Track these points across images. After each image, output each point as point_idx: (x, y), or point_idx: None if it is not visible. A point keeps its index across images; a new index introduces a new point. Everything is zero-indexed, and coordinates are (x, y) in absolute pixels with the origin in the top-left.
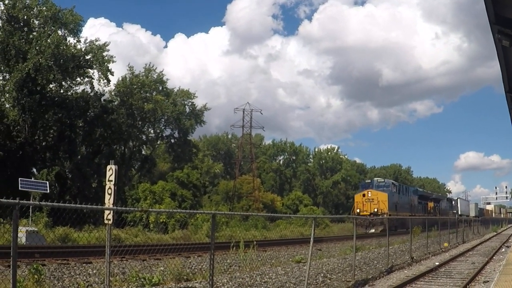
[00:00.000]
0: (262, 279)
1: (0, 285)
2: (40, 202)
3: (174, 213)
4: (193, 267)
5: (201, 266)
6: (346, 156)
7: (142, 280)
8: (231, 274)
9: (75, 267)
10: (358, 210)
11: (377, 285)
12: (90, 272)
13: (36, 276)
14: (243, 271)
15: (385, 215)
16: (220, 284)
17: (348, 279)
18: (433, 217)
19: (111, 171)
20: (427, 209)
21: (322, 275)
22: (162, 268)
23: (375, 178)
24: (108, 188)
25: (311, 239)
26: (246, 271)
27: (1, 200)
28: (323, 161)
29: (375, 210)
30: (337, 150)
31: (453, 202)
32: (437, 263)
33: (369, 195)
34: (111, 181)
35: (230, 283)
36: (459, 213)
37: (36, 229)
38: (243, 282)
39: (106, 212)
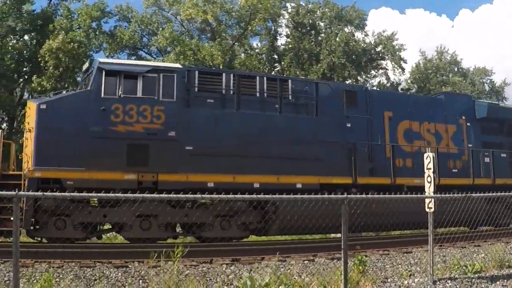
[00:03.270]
0: None
1: (335, 273)
2: None
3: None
4: None
5: None
6: None
7: (464, 268)
8: None
9: (396, 257)
10: None
11: None
12: (412, 262)
13: (360, 267)
14: None
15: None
16: None
17: None
18: None
19: (428, 158)
20: None
21: None
22: (483, 255)
23: None
24: (428, 176)
25: None
26: None
27: None
28: None
29: None
30: None
31: None
32: None
33: None
34: (430, 169)
35: None
36: None
37: None
38: None
39: (427, 200)
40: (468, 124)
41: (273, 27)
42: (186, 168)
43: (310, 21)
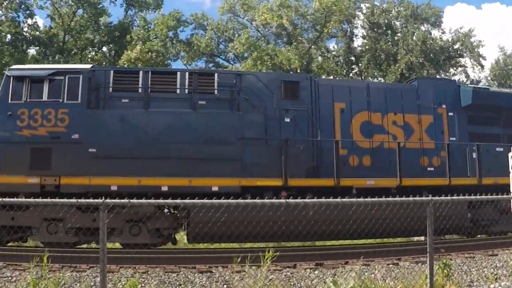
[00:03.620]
0: None
1: (420, 277)
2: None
3: None
4: None
5: None
6: None
7: None
8: None
9: (481, 260)
10: None
11: None
12: (497, 265)
13: (445, 271)
14: None
15: None
16: None
17: None
18: None
19: None
20: None
21: None
22: None
23: None
24: None
25: None
26: None
27: None
28: None
29: None
30: None
31: None
32: None
33: None
34: None
35: None
36: None
37: None
38: None
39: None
40: (451, 113)
41: (348, 29)
42: (89, 171)
43: (386, 21)
